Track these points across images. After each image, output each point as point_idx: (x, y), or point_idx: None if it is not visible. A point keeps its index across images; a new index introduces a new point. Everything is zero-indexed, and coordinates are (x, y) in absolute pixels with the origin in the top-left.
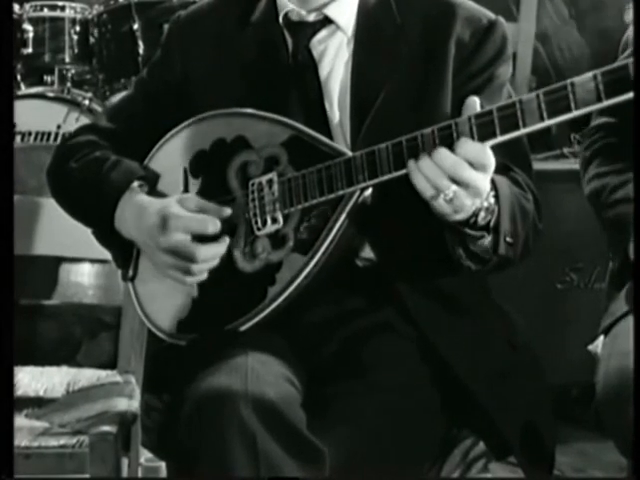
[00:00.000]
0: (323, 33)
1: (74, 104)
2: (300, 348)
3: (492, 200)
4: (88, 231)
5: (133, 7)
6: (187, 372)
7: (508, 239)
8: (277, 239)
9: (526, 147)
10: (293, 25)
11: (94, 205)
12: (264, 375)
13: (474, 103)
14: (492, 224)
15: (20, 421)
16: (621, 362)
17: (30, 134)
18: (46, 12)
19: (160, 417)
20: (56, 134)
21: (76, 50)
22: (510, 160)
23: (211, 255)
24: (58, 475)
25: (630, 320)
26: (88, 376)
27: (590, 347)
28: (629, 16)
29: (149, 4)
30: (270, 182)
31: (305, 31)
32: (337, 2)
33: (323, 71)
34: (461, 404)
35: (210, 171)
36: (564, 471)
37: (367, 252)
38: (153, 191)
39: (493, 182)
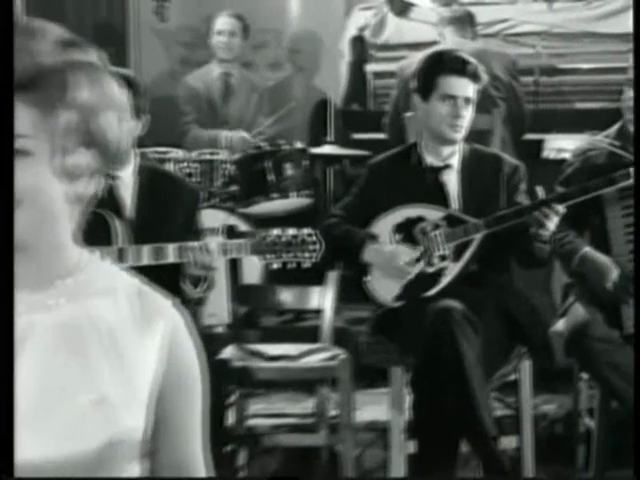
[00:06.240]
0: (446, 170)
1: (230, 210)
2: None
3: None
4: None
5: (265, 154)
6: (404, 320)
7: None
8: (444, 258)
9: None
10: (431, 168)
11: (352, 248)
12: (455, 303)
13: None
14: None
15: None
16: (575, 321)
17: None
18: (207, 156)
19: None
20: (223, 229)
21: (226, 180)
22: None
23: (411, 270)
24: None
25: (575, 305)
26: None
27: (552, 329)
28: None
29: (274, 151)
30: (438, 234)
31: (438, 170)
32: (452, 156)
33: (449, 188)
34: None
35: (403, 232)
36: None
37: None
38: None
39: None
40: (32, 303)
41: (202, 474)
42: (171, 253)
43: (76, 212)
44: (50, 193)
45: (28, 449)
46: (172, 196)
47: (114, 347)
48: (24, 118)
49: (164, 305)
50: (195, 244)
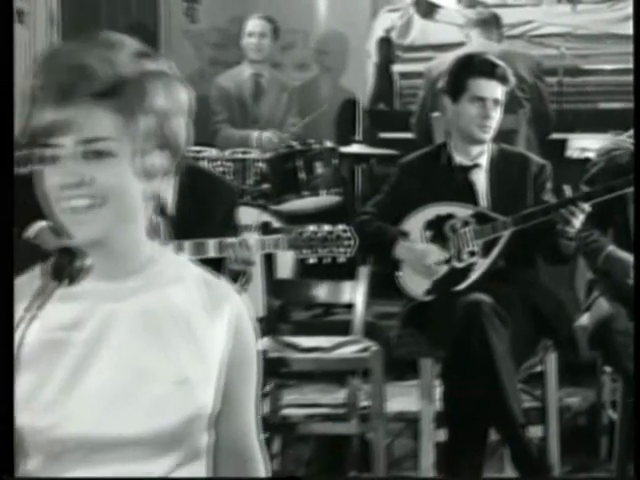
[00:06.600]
0: (475, 169)
1: (262, 207)
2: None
3: None
4: None
5: (296, 153)
6: (434, 313)
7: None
8: (473, 254)
9: None
10: (461, 167)
11: (384, 244)
12: (484, 296)
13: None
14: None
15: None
16: (599, 315)
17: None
18: (240, 155)
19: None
20: (258, 226)
21: (258, 178)
22: None
23: (439, 269)
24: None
25: (599, 300)
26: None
27: (577, 323)
28: None
29: (305, 150)
30: (468, 231)
31: (467, 169)
32: (481, 156)
33: (477, 187)
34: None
35: (434, 229)
36: None
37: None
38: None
39: None
40: (112, 293)
41: (256, 446)
42: (212, 248)
43: (149, 209)
44: (131, 192)
45: (112, 427)
46: (211, 193)
47: (189, 330)
48: (107, 122)
49: (228, 292)
50: (235, 240)
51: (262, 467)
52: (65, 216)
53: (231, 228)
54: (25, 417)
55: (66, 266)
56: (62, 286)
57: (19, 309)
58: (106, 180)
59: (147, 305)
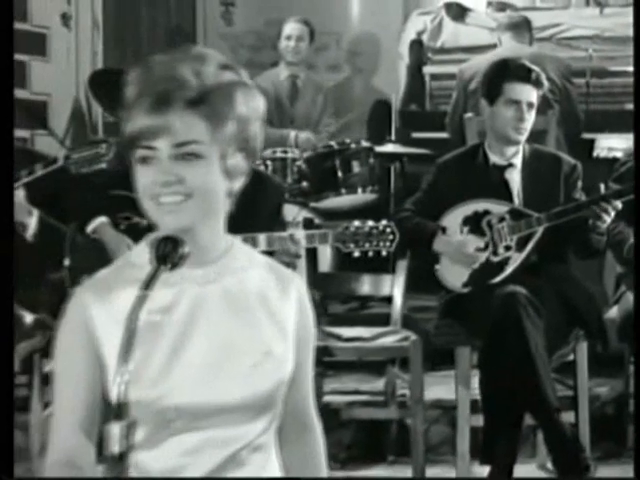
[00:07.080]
0: (510, 168)
1: (302, 204)
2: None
3: None
4: None
5: (334, 152)
6: (471, 304)
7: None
8: (509, 248)
9: None
10: (496, 166)
11: (424, 239)
12: (520, 288)
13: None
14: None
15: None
16: (627, 308)
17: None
18: (280, 154)
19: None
20: (303, 222)
21: (297, 176)
22: None
23: (479, 256)
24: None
25: (627, 294)
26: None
27: (606, 316)
28: None
29: (343, 149)
30: (504, 227)
31: (502, 169)
32: (516, 156)
33: (512, 185)
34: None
35: (471, 224)
36: None
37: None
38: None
39: None
40: (196, 279)
41: (315, 417)
42: (262, 242)
43: (227, 205)
44: (217, 190)
45: (211, 396)
46: (259, 190)
47: (267, 307)
48: (198, 127)
49: (292, 275)
50: (284, 234)
51: (320, 436)
52: (156, 209)
53: (278, 223)
54: (134, 391)
55: (170, 253)
56: (166, 271)
57: (114, 298)
58: (196, 179)
59: (227, 288)
